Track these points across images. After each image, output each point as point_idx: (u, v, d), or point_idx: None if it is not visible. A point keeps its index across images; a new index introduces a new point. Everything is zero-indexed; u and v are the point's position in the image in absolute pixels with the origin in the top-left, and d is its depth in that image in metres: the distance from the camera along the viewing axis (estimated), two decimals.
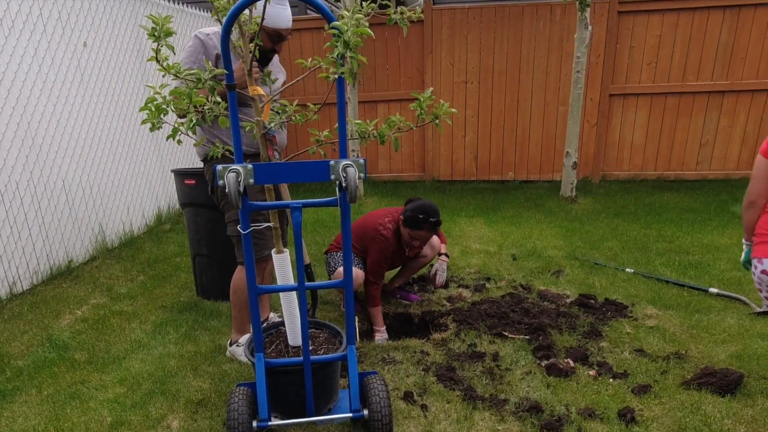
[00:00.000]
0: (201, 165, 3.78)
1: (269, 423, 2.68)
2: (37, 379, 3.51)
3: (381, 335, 4.12)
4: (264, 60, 3.43)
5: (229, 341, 3.83)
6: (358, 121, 2.88)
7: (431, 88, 3.09)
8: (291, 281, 2.92)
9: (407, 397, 3.18)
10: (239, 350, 3.70)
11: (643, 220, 6.75)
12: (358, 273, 4.09)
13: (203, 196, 4.46)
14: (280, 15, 3.28)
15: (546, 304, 4.39)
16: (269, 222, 2.96)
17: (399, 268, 4.66)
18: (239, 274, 3.64)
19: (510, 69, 8.67)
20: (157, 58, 2.42)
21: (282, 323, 3.15)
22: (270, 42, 3.36)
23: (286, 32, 3.41)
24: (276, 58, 3.67)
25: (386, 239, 4.14)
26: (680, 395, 3.14)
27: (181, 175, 4.55)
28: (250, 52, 2.71)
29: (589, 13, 7.23)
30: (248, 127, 2.83)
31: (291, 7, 3.39)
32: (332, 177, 2.47)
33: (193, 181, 4.45)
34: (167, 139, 2.74)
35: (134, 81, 6.57)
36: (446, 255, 4.72)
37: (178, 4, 7.64)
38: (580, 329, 3.97)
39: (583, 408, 3.03)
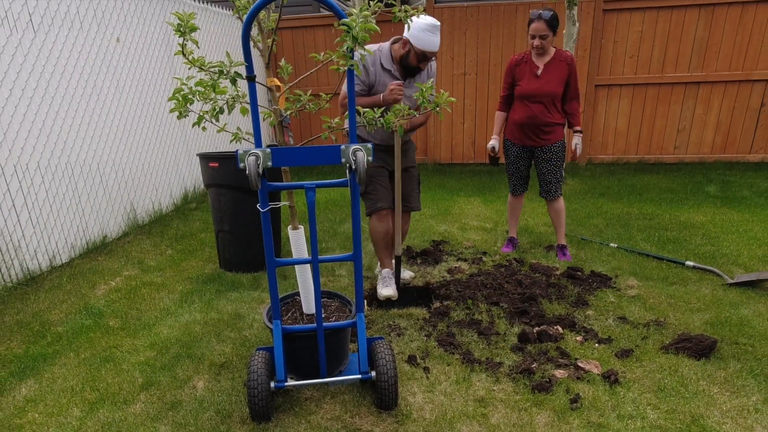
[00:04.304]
0: (220, 149, 3.73)
1: (285, 383, 2.68)
2: (75, 344, 3.50)
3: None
4: (411, 72, 3.69)
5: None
6: (366, 109, 2.84)
7: (432, 79, 3.04)
8: (305, 255, 2.90)
9: (411, 360, 3.17)
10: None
11: (626, 199, 6.70)
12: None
13: (226, 178, 4.44)
14: (431, 41, 3.48)
15: (537, 276, 4.36)
16: (286, 202, 2.92)
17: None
18: (371, 225, 3.96)
19: (505, 62, 8.55)
20: (183, 52, 2.38)
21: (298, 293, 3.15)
22: (416, 60, 3.57)
23: (431, 54, 3.58)
24: (430, 66, 3.88)
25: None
26: (659, 359, 3.12)
27: (205, 158, 4.50)
28: (268, 47, 2.68)
29: (577, 11, 7.14)
30: (265, 116, 2.79)
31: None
32: (343, 160, 2.46)
33: (217, 164, 4.41)
34: (193, 126, 2.70)
35: (163, 73, 6.49)
36: (581, 131, 4.68)
37: (203, 2, 7.54)
38: (569, 299, 3.94)
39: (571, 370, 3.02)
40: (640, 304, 3.86)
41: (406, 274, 4.45)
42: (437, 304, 3.93)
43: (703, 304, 3.83)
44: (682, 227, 5.51)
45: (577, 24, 7.17)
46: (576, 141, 4.66)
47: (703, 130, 8.34)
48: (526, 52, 4.56)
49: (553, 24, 4.28)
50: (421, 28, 3.43)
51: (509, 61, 4.65)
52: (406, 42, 3.56)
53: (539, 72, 4.46)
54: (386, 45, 3.70)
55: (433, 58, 3.70)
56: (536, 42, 4.35)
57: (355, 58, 2.55)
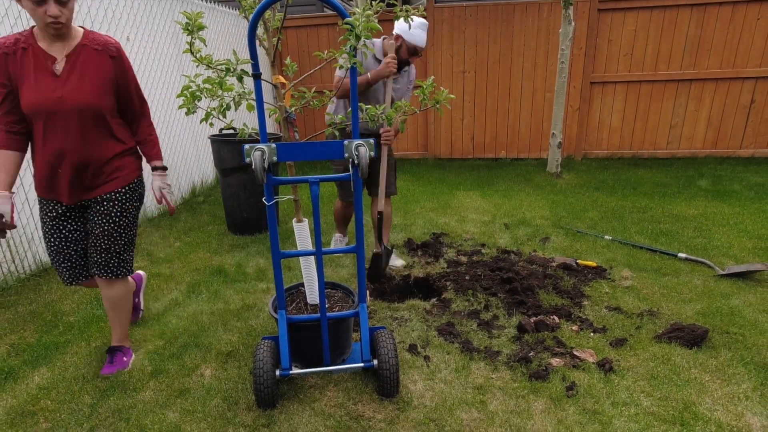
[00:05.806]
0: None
1: (290, 372, 2.67)
2: (86, 333, 3.50)
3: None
4: (399, 67, 3.83)
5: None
6: (369, 106, 2.83)
7: (433, 77, 3.02)
8: (310, 247, 2.89)
9: (412, 349, 3.16)
10: None
11: (620, 193, 6.67)
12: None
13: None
14: (420, 36, 3.75)
15: (534, 267, 4.34)
16: (290, 196, 2.91)
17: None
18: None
19: (503, 60, 8.53)
20: (191, 50, 2.37)
21: (302, 284, 3.14)
22: (407, 54, 3.82)
23: (420, 49, 3.83)
24: (410, 72, 4.07)
25: None
26: (653, 347, 3.11)
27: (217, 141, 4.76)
28: (274, 45, 2.66)
29: (572, 10, 7.09)
30: (271, 112, 2.78)
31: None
32: (346, 155, 2.44)
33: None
34: (201, 122, 2.69)
35: (171, 71, 6.46)
36: (164, 169, 3.08)
37: (210, 2, 7.51)
38: (564, 289, 3.93)
39: (567, 359, 3.01)
40: (633, 294, 3.84)
41: (398, 262, 4.48)
42: (436, 299, 3.92)
43: (695, 294, 3.81)
44: (675, 220, 5.49)
45: (573, 23, 7.14)
46: (159, 184, 3.06)
47: (695, 126, 8.30)
48: (26, 32, 2.54)
49: None
50: (413, 25, 3.67)
51: None
52: (399, 37, 3.79)
53: (59, 68, 2.55)
54: (378, 41, 3.87)
55: (412, 61, 3.94)
56: (52, 10, 2.38)
57: (358, 54, 2.56)
